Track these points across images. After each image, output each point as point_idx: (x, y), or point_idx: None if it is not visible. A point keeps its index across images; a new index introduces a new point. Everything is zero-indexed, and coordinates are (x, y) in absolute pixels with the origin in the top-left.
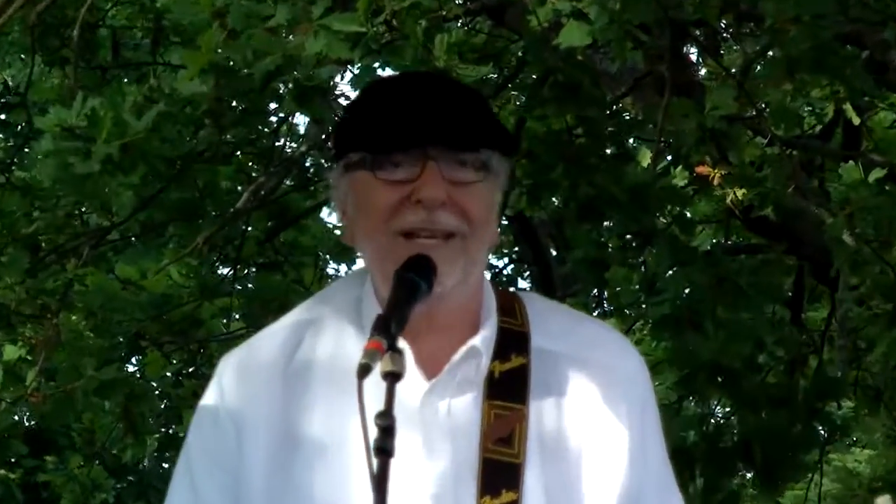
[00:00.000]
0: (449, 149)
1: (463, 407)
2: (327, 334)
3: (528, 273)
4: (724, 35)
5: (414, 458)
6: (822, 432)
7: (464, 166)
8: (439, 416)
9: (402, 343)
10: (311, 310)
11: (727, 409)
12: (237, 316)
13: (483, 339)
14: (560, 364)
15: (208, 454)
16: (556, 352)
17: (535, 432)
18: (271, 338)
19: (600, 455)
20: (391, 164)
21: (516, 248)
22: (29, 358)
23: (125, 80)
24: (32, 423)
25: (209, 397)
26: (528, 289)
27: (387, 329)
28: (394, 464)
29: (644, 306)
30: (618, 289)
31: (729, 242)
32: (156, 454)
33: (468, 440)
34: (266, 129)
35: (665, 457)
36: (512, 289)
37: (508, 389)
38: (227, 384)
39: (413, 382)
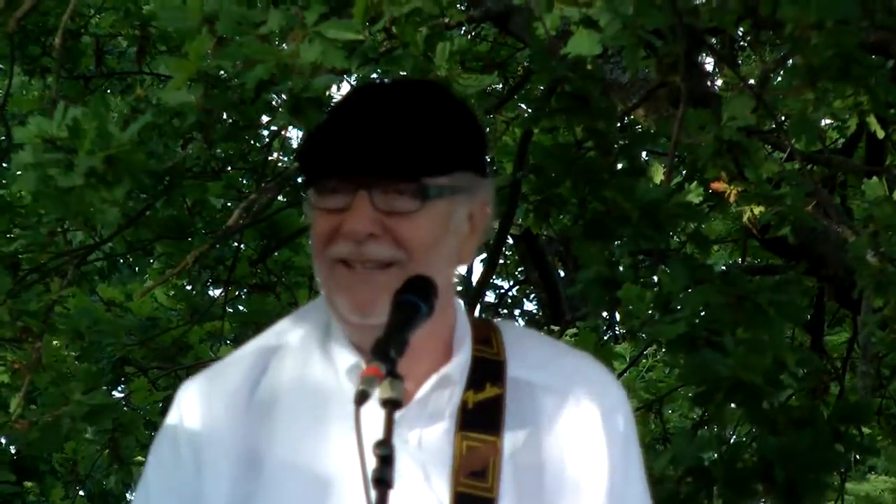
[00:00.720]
0: (384, 177)
1: (434, 438)
2: (294, 360)
3: (533, 295)
4: (742, 43)
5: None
6: (846, 454)
7: (402, 195)
8: (409, 447)
9: (361, 363)
10: (278, 335)
11: (747, 434)
12: (228, 340)
13: (456, 367)
14: (537, 395)
15: (166, 483)
16: (534, 382)
17: (510, 466)
18: (236, 364)
19: (578, 490)
20: (329, 190)
21: (521, 269)
22: (8, 382)
23: (109, 90)
24: (11, 447)
25: (169, 425)
26: (534, 311)
27: (385, 354)
28: (361, 496)
29: (657, 327)
30: (630, 307)
31: (745, 262)
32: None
33: (440, 473)
34: (258, 143)
35: (646, 495)
36: (485, 316)
37: (482, 420)
38: (187, 411)
39: (381, 412)
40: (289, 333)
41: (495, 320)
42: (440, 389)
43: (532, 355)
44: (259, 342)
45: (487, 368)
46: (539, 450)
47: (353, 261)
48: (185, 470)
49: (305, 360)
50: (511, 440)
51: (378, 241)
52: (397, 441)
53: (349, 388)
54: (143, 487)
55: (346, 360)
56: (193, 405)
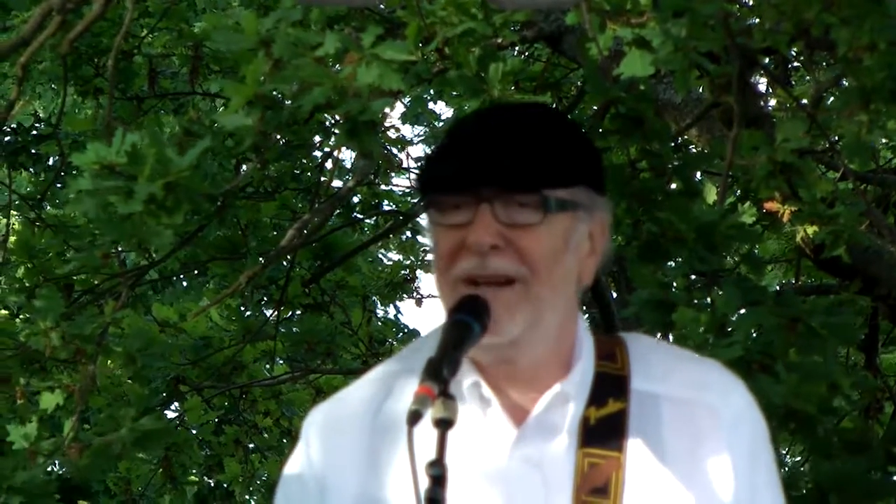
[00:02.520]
0: (505, 190)
1: (555, 455)
2: (415, 384)
3: (587, 316)
4: (795, 64)
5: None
6: None
7: (523, 207)
8: (529, 466)
9: (486, 392)
10: (402, 361)
11: (799, 457)
12: (281, 360)
13: (572, 383)
14: (661, 407)
15: None
16: (657, 394)
17: (634, 481)
18: (359, 390)
19: (707, 495)
20: (451, 206)
21: None
22: (62, 405)
23: (162, 110)
24: (58, 472)
25: (295, 457)
26: None
27: (438, 374)
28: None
29: (712, 351)
30: (684, 330)
31: (799, 283)
32: None
33: (561, 491)
34: (311, 164)
35: (779, 498)
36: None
37: (604, 436)
38: (312, 441)
39: (501, 432)
40: (413, 358)
41: (622, 334)
42: (557, 406)
43: (656, 367)
44: (383, 367)
45: (610, 383)
46: (663, 463)
47: (477, 277)
48: (311, 494)
49: None
50: (634, 455)
51: (501, 253)
52: (516, 459)
53: (469, 406)
54: None
55: (467, 378)
56: (317, 434)
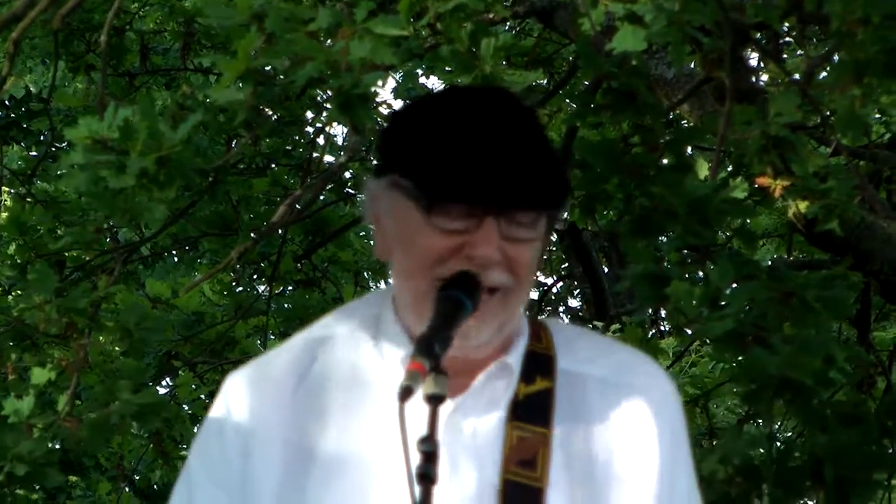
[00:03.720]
0: (513, 207)
1: (489, 428)
2: (344, 350)
3: (578, 291)
4: (787, 38)
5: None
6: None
7: (521, 224)
8: (464, 436)
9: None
10: (326, 327)
11: (793, 428)
12: (273, 336)
13: (515, 357)
14: (588, 387)
15: (210, 473)
16: (584, 374)
17: (562, 456)
18: (284, 354)
19: (628, 480)
20: (446, 210)
21: (565, 265)
22: (54, 380)
23: (154, 86)
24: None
25: (215, 414)
26: (578, 308)
27: (430, 350)
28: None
29: (705, 324)
30: (681, 302)
31: (790, 258)
32: None
33: (491, 462)
34: (303, 140)
35: (694, 484)
36: (541, 317)
37: (532, 412)
38: (234, 400)
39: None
40: (337, 325)
41: (543, 319)
42: (498, 379)
43: (581, 350)
44: (306, 334)
45: (538, 362)
46: (590, 440)
47: None
48: (232, 459)
49: (356, 350)
50: (562, 431)
51: (498, 267)
52: (451, 430)
53: (400, 380)
54: (184, 479)
55: (398, 349)
56: (240, 394)
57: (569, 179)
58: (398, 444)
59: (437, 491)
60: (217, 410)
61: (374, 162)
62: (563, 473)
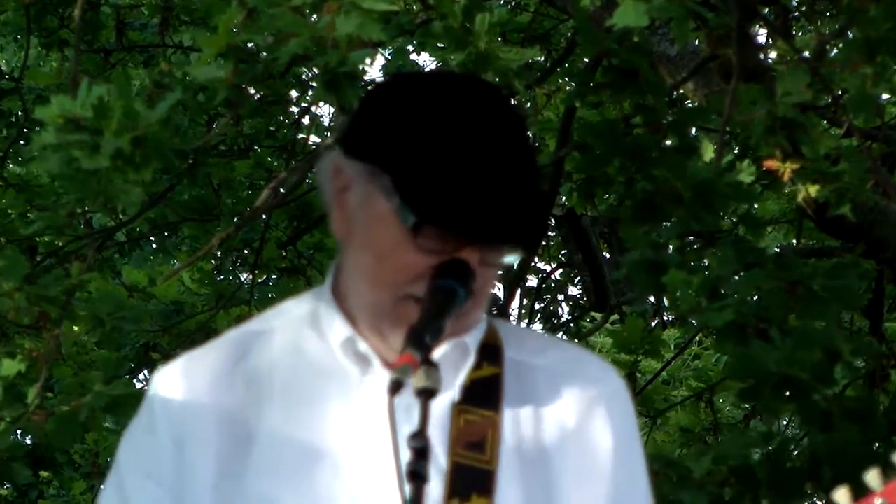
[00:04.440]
0: (498, 241)
1: (438, 409)
2: (282, 339)
3: (577, 279)
4: (796, 14)
5: (383, 458)
6: None
7: (499, 253)
8: (413, 416)
9: (364, 348)
10: (262, 322)
11: (795, 427)
12: None
13: (473, 338)
14: (537, 376)
15: (144, 469)
16: (533, 364)
17: (512, 440)
18: (217, 346)
19: (582, 468)
20: (433, 233)
21: (564, 252)
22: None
23: (130, 63)
24: (28, 440)
25: (143, 410)
26: (578, 296)
27: (420, 341)
28: (361, 461)
29: (705, 314)
30: (676, 292)
31: (800, 244)
32: None
33: (439, 443)
34: (287, 120)
35: (647, 479)
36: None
37: (480, 396)
38: (165, 392)
39: (381, 389)
40: (274, 319)
41: (490, 318)
42: (452, 359)
43: (529, 344)
44: (240, 329)
45: (485, 350)
46: (540, 426)
47: None
48: (164, 452)
49: (296, 336)
50: (512, 416)
51: None
52: (400, 410)
53: (344, 363)
54: (114, 479)
55: (339, 333)
56: (171, 386)
57: (550, 214)
58: (346, 427)
59: (385, 470)
60: (147, 406)
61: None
62: (513, 456)
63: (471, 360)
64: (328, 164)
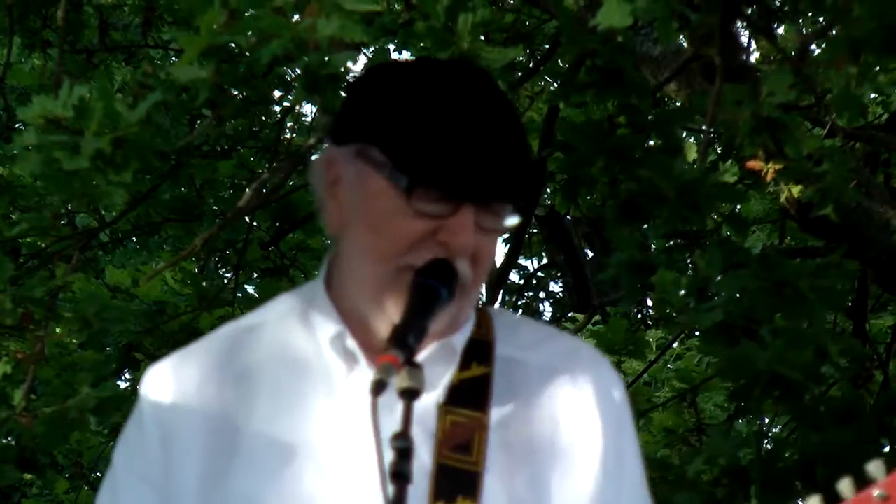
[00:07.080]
0: (493, 199)
1: (423, 410)
2: (272, 334)
3: (560, 278)
4: (780, 13)
5: (366, 458)
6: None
7: (495, 214)
8: (396, 416)
9: (351, 345)
10: (254, 316)
11: (784, 426)
12: None
13: (460, 339)
14: (529, 373)
15: (134, 469)
16: (524, 361)
17: (500, 441)
18: (208, 343)
19: (571, 465)
20: (427, 194)
21: (546, 248)
22: (9, 373)
23: (113, 63)
24: (11, 440)
25: (136, 408)
26: (560, 295)
27: (404, 342)
28: (345, 460)
29: (693, 315)
30: (665, 293)
31: (783, 245)
32: None
33: (425, 445)
34: (270, 120)
35: (642, 475)
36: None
37: (467, 397)
38: (153, 391)
39: (369, 375)
40: (265, 314)
41: (487, 307)
42: (439, 360)
43: (523, 337)
44: (232, 325)
45: (475, 348)
46: (530, 425)
47: None
48: (152, 451)
49: (285, 332)
50: (500, 416)
51: (466, 259)
52: (385, 411)
53: (330, 359)
54: (109, 478)
55: (328, 329)
56: (159, 384)
57: (544, 173)
58: (331, 424)
59: (369, 471)
60: (137, 405)
61: (334, 125)
62: (501, 457)
63: (456, 362)
64: (319, 160)
